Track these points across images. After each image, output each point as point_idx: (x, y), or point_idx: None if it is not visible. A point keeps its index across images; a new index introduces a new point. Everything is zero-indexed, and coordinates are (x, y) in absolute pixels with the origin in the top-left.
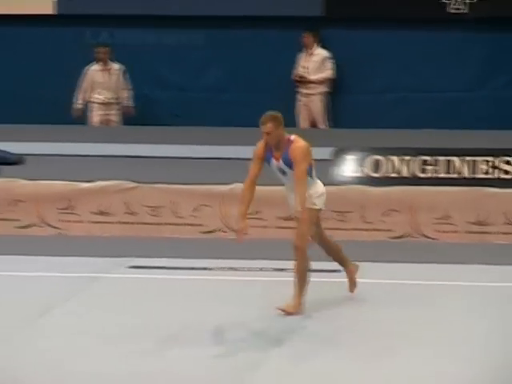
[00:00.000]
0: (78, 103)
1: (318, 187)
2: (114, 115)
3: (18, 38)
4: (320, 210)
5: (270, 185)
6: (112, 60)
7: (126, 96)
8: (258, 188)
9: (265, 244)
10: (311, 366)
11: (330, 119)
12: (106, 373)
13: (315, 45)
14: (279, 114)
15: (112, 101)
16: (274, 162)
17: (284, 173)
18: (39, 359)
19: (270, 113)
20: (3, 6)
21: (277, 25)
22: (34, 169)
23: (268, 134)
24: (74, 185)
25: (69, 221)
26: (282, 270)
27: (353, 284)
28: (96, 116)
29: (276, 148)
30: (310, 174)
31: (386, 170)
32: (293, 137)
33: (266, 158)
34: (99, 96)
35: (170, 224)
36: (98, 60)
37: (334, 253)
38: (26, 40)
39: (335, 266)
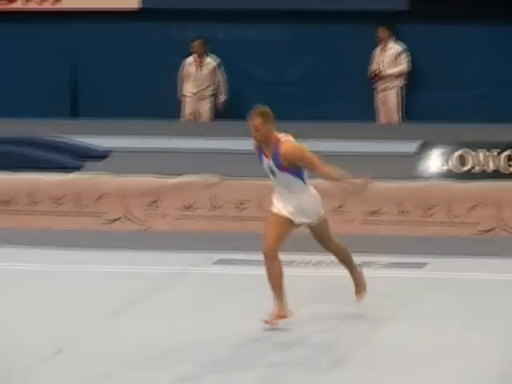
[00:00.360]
0: (181, 95)
1: (314, 193)
2: (205, 108)
3: (104, 33)
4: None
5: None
6: (207, 53)
7: (220, 89)
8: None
9: (350, 239)
10: None
11: (403, 113)
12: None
13: (390, 39)
14: (268, 109)
15: (203, 93)
16: (265, 160)
17: (273, 173)
18: (122, 351)
19: (258, 107)
20: (90, 2)
21: (358, 19)
22: (121, 163)
23: (256, 129)
24: (160, 180)
25: (155, 215)
26: (366, 264)
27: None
28: (188, 108)
29: (266, 145)
30: (302, 178)
31: (472, 165)
32: (283, 137)
33: (258, 156)
34: (191, 88)
35: (255, 218)
36: (194, 53)
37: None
38: (112, 35)
39: (419, 259)
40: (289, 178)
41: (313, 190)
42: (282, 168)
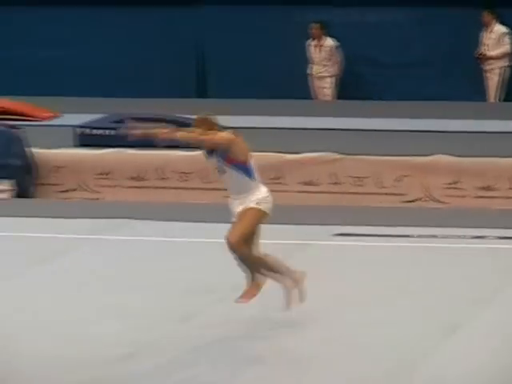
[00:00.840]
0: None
1: (261, 190)
2: (327, 88)
3: (230, 15)
4: (265, 213)
5: (467, 156)
6: (325, 36)
7: (338, 70)
8: (457, 159)
9: (464, 212)
10: None
11: (502, 93)
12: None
13: (494, 22)
14: (210, 117)
15: (324, 74)
16: (213, 157)
17: (222, 171)
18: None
19: (200, 115)
20: None
21: (467, 4)
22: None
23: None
24: (282, 156)
25: (277, 190)
26: (480, 237)
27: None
28: (312, 89)
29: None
30: (249, 174)
31: None
32: None
33: (207, 154)
34: (313, 70)
35: (372, 194)
36: (313, 36)
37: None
38: (237, 17)
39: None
40: (236, 174)
41: (263, 189)
42: (228, 159)
